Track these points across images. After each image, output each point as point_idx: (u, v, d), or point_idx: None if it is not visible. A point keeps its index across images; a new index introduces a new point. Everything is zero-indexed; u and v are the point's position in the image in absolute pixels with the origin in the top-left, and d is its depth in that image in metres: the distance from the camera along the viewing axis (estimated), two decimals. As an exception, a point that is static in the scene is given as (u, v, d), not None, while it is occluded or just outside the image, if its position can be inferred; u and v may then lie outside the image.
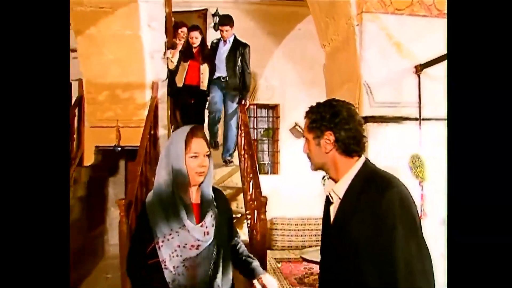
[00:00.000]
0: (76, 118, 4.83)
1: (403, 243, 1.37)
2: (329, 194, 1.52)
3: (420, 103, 2.37)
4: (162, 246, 1.62)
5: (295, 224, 6.34)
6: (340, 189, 1.46)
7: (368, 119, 2.38)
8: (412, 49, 2.33)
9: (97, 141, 4.88)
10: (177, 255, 1.63)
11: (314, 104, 1.52)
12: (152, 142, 4.61)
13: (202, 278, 1.67)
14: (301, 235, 6.30)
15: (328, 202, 1.57)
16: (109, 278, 5.23)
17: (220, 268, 1.72)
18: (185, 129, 1.72)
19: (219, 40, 5.08)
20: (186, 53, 4.91)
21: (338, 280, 1.52)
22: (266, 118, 7.16)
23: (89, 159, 4.92)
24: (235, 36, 5.04)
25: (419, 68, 2.31)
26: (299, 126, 6.93)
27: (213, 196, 1.78)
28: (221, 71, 4.95)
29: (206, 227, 1.66)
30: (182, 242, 1.62)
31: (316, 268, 5.47)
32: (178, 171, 1.65)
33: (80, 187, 5.05)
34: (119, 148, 4.79)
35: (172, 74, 4.92)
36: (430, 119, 2.41)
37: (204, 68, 4.99)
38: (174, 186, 1.67)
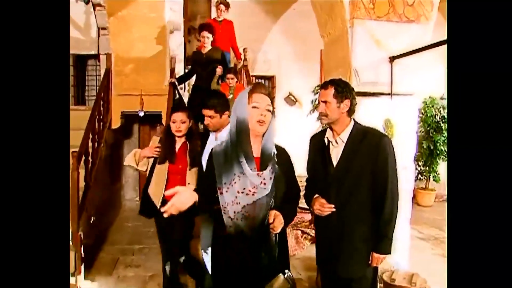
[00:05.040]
0: (104, 88, 5.77)
1: (391, 173, 2.23)
2: (335, 140, 2.32)
3: (391, 83, 3.50)
4: (226, 192, 1.85)
5: (288, 181, 7.46)
6: (344, 136, 2.29)
7: (356, 93, 3.49)
8: (387, 45, 3.43)
9: (123, 107, 5.85)
10: (237, 202, 1.84)
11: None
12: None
13: (259, 227, 1.86)
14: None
15: (325, 149, 2.34)
16: (130, 226, 6.33)
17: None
18: (249, 87, 1.98)
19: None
20: (165, 152, 3.11)
21: (341, 206, 2.24)
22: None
23: (116, 123, 5.89)
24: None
25: (392, 59, 3.43)
26: (293, 96, 8.02)
27: (275, 153, 1.96)
28: None
29: (264, 179, 1.86)
30: (241, 187, 1.83)
31: (306, 217, 6.66)
32: (242, 121, 1.88)
33: (107, 147, 6.00)
34: (143, 113, 5.77)
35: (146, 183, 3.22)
36: (399, 94, 3.55)
37: (192, 176, 3.08)
38: (239, 136, 1.89)
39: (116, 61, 5.62)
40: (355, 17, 3.32)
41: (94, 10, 5.74)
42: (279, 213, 1.87)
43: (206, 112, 2.89)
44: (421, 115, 7.17)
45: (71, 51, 7.11)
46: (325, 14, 3.77)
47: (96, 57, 7.10)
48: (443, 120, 7.17)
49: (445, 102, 7.41)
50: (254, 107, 1.89)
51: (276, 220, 1.84)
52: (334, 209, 2.28)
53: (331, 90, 2.29)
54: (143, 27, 5.39)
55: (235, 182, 1.84)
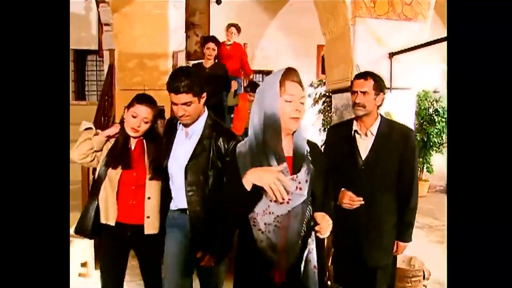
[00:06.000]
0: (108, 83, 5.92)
1: (416, 164, 2.45)
2: (364, 133, 2.38)
3: (391, 77, 3.72)
4: None
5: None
6: (374, 129, 2.37)
7: (357, 88, 3.71)
8: (387, 42, 3.65)
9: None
10: (269, 212, 1.56)
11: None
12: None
13: (293, 239, 1.57)
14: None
15: (352, 141, 2.40)
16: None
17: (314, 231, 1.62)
18: (280, 71, 1.61)
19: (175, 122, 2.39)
20: (118, 152, 2.39)
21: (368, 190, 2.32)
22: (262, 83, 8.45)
23: (119, 117, 6.03)
24: (209, 113, 2.34)
25: (391, 55, 3.65)
26: (290, 90, 8.24)
27: (308, 150, 1.67)
28: (180, 196, 2.28)
29: (299, 182, 1.57)
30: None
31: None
32: (271, 116, 1.56)
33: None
34: (146, 108, 5.91)
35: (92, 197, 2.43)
36: (398, 88, 3.77)
37: (154, 189, 2.38)
38: (266, 135, 1.56)
39: (119, 56, 5.76)
40: (357, 15, 3.53)
41: (98, 6, 5.88)
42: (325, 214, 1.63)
43: (181, 98, 2.11)
44: (415, 108, 7.42)
45: (71, 47, 7.22)
46: (327, 13, 3.97)
47: (97, 52, 7.24)
48: (436, 113, 7.44)
49: (437, 95, 7.68)
50: (288, 100, 1.59)
51: (324, 222, 1.60)
52: (362, 202, 2.35)
53: (371, 81, 2.36)
54: (147, 23, 5.55)
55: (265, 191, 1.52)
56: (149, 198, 2.36)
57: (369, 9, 3.55)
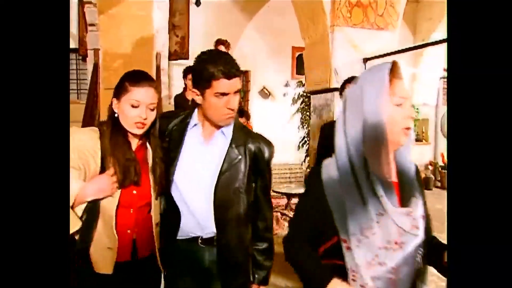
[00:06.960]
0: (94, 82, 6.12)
1: None
2: None
3: (365, 80, 4.17)
4: (358, 246, 1.16)
5: (263, 169, 8.13)
6: None
7: (335, 89, 4.13)
8: (362, 48, 4.09)
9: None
10: (380, 263, 1.16)
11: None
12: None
13: None
14: (269, 178, 8.14)
15: None
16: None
17: (425, 280, 1.27)
18: (385, 65, 1.21)
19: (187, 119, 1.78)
20: (125, 165, 1.60)
21: None
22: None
23: (104, 116, 6.23)
24: (235, 120, 1.76)
25: (365, 60, 4.09)
26: (266, 89, 8.62)
27: (416, 172, 1.31)
28: (196, 221, 1.71)
29: (414, 219, 1.19)
30: (384, 238, 1.16)
31: (282, 202, 7.32)
32: (375, 126, 1.15)
33: (95, 138, 6.38)
34: (130, 106, 6.15)
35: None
36: (371, 90, 4.22)
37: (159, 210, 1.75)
38: (368, 150, 1.17)
39: (104, 56, 5.97)
40: (335, 24, 3.95)
41: (83, 7, 6.06)
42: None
43: (234, 83, 1.56)
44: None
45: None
46: (307, 19, 4.37)
47: (77, 51, 7.39)
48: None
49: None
50: (398, 104, 1.20)
51: None
52: None
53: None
54: (132, 24, 5.79)
55: (373, 233, 1.16)
56: (157, 224, 1.70)
57: (346, 19, 3.97)
